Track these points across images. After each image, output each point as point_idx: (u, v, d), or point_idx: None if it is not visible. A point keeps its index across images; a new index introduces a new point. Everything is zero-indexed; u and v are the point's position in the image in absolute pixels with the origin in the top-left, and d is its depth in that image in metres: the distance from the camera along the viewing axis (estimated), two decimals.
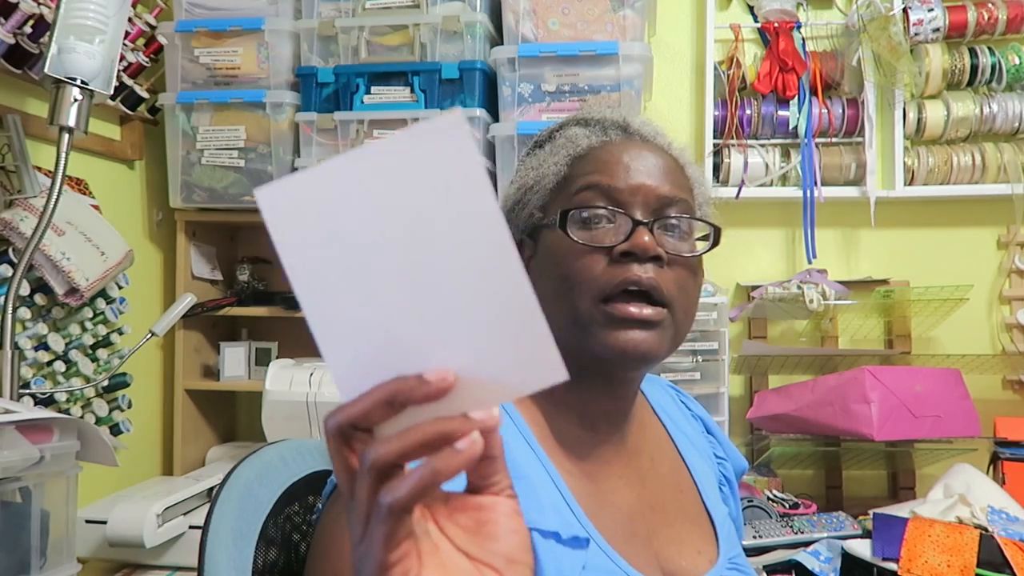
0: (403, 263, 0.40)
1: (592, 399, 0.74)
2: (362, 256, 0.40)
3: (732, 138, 2.02)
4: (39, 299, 1.59)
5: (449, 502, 0.44)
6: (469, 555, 0.43)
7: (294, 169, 1.91)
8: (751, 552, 1.47)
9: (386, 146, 0.39)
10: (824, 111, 2.00)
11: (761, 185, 2.03)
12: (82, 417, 1.68)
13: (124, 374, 1.79)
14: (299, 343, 2.14)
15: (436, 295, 0.40)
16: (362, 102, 1.86)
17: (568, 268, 0.70)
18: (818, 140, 2.02)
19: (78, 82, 1.32)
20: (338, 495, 0.67)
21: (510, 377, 0.42)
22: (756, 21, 2.08)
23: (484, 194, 0.38)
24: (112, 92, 1.39)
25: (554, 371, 0.42)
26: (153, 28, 1.90)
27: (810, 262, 1.99)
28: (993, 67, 1.93)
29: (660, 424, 0.86)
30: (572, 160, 0.75)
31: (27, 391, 1.53)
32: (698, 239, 0.76)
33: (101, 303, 1.73)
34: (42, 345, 1.58)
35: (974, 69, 1.94)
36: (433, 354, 0.41)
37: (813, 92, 2.00)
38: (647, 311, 0.68)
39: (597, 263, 0.70)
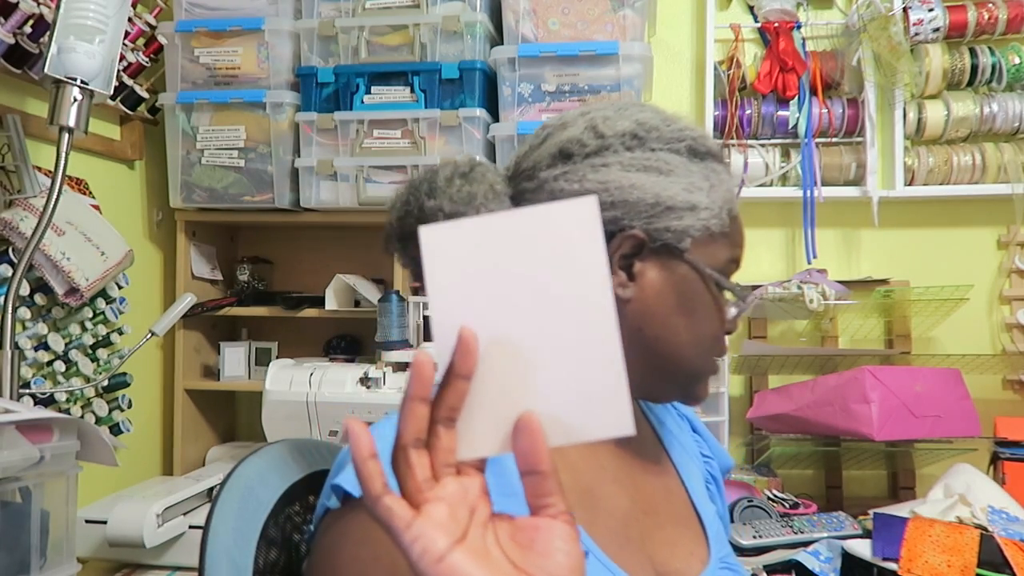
0: (520, 306, 0.48)
1: None
2: (490, 294, 0.49)
3: (732, 138, 2.02)
4: (39, 299, 1.59)
5: (512, 522, 0.47)
6: (515, 564, 0.46)
7: (294, 169, 1.91)
8: (751, 552, 1.47)
9: (530, 212, 0.49)
10: (824, 111, 2.00)
11: (761, 185, 2.03)
12: (82, 417, 1.68)
13: (124, 374, 1.79)
14: (299, 343, 2.14)
15: (538, 335, 0.48)
16: (362, 102, 1.87)
17: (712, 322, 0.75)
18: (818, 140, 2.02)
19: (78, 82, 1.32)
20: (333, 520, 0.65)
21: (580, 420, 0.48)
22: (756, 21, 2.08)
23: (600, 265, 0.48)
24: (112, 92, 1.39)
25: (621, 425, 0.48)
26: (153, 28, 1.90)
27: (810, 262, 1.99)
28: (993, 67, 1.93)
29: (649, 425, 0.86)
30: (731, 219, 0.77)
31: (27, 391, 1.53)
32: None
33: (101, 303, 1.73)
34: (42, 345, 1.58)
35: (974, 69, 1.94)
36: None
37: (813, 92, 2.00)
38: None
39: (719, 328, 0.76)
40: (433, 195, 0.72)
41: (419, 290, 1.95)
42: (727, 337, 0.78)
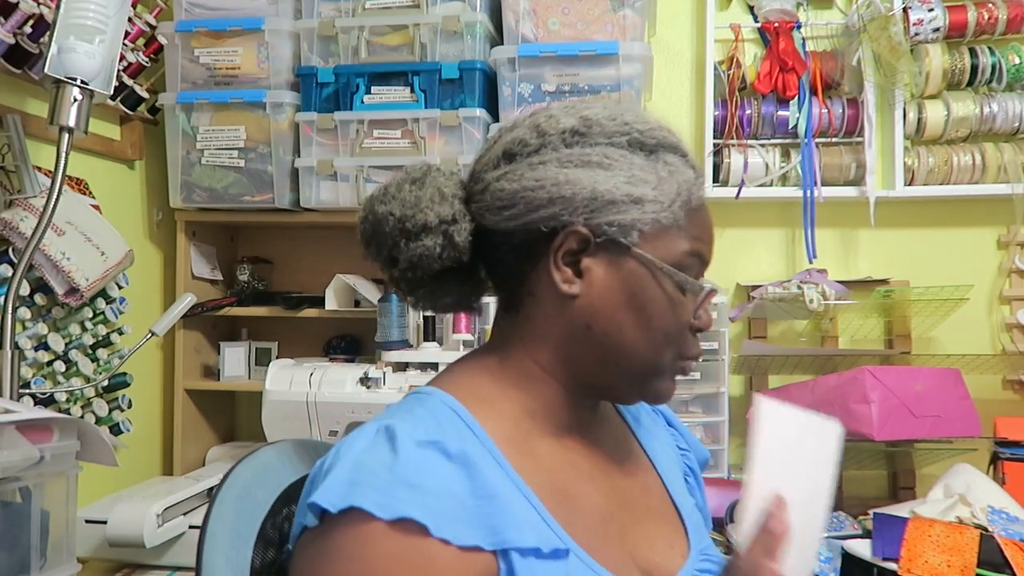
0: (796, 485, 0.72)
1: (572, 412, 0.75)
2: (786, 468, 0.73)
3: (732, 138, 2.02)
4: (39, 299, 1.59)
5: None
6: None
7: (294, 169, 1.91)
8: None
9: (818, 418, 0.76)
10: (824, 111, 2.00)
11: (761, 185, 2.03)
12: (82, 417, 1.68)
13: (124, 374, 1.79)
14: (299, 343, 2.14)
15: (798, 511, 0.71)
16: (362, 102, 1.87)
17: (664, 318, 0.72)
18: (818, 140, 2.02)
19: (78, 82, 1.32)
20: (312, 538, 0.64)
21: None
22: (756, 21, 2.08)
23: (826, 476, 0.76)
24: (112, 92, 1.39)
25: None
26: (153, 28, 1.90)
27: (810, 262, 1.99)
28: (993, 67, 1.93)
29: (623, 421, 0.87)
30: (688, 212, 0.72)
31: (27, 391, 1.53)
32: None
33: (101, 303, 1.73)
34: (42, 345, 1.58)
35: (974, 69, 1.93)
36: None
37: (813, 92, 2.00)
38: None
39: (683, 321, 0.73)
40: (385, 200, 0.74)
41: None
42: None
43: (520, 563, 0.62)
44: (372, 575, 0.59)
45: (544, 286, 0.72)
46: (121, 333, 1.80)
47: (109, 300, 1.75)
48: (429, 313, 1.80)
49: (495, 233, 0.73)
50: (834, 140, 2.03)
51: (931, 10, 1.91)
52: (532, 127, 0.74)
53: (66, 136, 1.35)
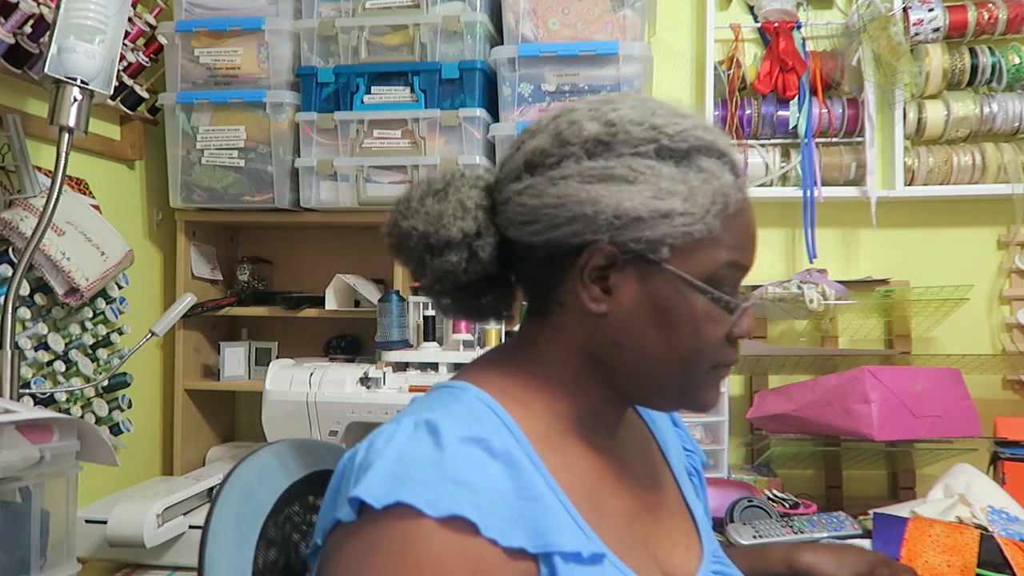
0: None
1: (600, 417, 0.75)
2: None
3: (732, 138, 2.02)
4: (39, 299, 1.59)
5: None
6: None
7: (294, 169, 1.91)
8: None
9: None
10: (824, 111, 2.00)
11: (761, 185, 2.03)
12: (82, 417, 1.68)
13: (124, 374, 1.79)
14: (299, 343, 2.14)
15: None
16: (362, 102, 1.87)
17: (697, 335, 0.69)
18: (818, 140, 2.02)
19: (78, 82, 1.32)
20: (351, 533, 0.61)
21: None
22: (756, 21, 2.08)
23: None
24: (112, 92, 1.39)
25: None
26: (153, 28, 1.90)
27: (810, 262, 1.99)
28: (993, 67, 1.93)
29: (643, 421, 0.87)
30: (725, 219, 0.68)
31: (27, 391, 1.53)
32: None
33: (101, 303, 1.73)
34: (42, 345, 1.58)
35: (974, 69, 1.93)
36: None
37: (813, 92, 2.00)
38: None
39: (718, 336, 0.71)
40: (407, 215, 0.72)
41: (419, 290, 1.95)
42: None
43: (563, 568, 0.61)
44: (421, 572, 0.58)
45: (572, 299, 0.69)
46: (121, 333, 1.80)
47: (109, 300, 1.75)
48: (430, 313, 1.80)
49: (520, 245, 0.71)
50: (834, 140, 2.03)
51: (931, 10, 1.91)
52: (554, 135, 0.69)
53: (66, 136, 1.35)
